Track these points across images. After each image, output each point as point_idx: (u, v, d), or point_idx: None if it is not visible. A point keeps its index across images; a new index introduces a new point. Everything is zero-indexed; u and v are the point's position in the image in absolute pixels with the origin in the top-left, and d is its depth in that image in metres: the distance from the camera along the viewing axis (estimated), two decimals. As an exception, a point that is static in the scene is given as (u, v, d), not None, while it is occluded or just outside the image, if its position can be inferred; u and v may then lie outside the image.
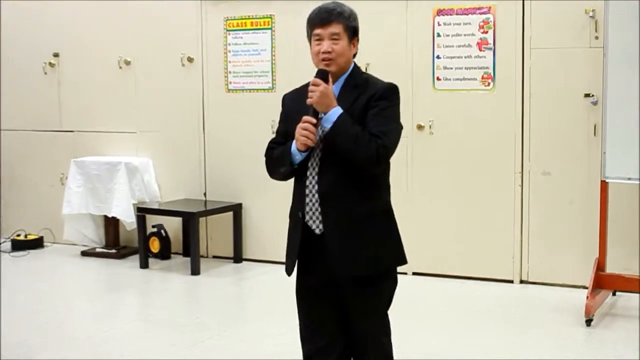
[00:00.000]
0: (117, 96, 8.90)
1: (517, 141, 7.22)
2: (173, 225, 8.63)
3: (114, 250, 8.73)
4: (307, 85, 3.73)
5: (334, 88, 3.67)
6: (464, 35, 7.33)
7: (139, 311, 7.07)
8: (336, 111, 3.58)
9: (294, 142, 3.66)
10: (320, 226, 3.69)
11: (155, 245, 8.50)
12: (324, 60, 3.68)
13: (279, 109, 8.39)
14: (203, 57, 8.45)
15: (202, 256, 8.30)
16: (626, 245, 6.91)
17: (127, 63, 8.79)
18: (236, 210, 8.31)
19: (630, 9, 6.16)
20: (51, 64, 9.24)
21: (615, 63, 6.22)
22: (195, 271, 7.88)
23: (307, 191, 3.70)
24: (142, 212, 8.26)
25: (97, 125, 9.07)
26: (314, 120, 3.60)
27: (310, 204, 3.70)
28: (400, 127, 3.72)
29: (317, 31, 3.73)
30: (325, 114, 3.61)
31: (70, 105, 9.21)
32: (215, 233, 8.57)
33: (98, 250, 8.81)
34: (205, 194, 8.58)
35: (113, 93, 8.92)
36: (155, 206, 8.50)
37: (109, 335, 6.09)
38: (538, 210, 7.23)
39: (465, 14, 7.30)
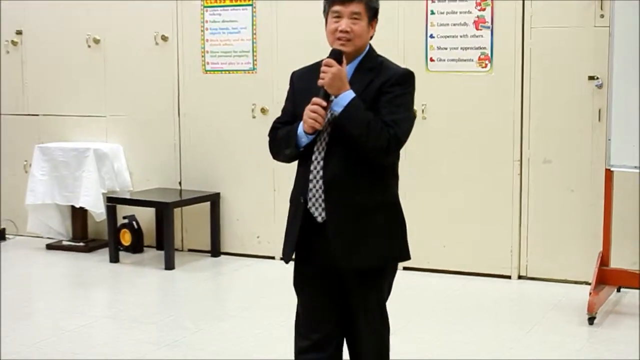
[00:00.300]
0: (85, 77, 8.87)
1: (516, 127, 7.23)
2: (145, 217, 8.61)
3: (81, 243, 8.71)
4: (318, 64, 3.75)
5: (347, 70, 3.69)
6: (460, 12, 7.33)
7: (108, 308, 7.05)
8: (348, 95, 3.60)
9: (301, 123, 3.67)
10: (323, 214, 3.73)
11: (126, 238, 8.49)
12: (339, 39, 3.69)
13: (260, 91, 8.45)
14: (178, 35, 8.42)
15: (177, 249, 8.29)
16: (632, 238, 6.93)
17: (96, 42, 8.76)
18: (214, 200, 8.30)
19: (638, -16, 6.18)
20: (14, 42, 9.19)
21: (622, 44, 6.22)
22: (169, 265, 7.87)
23: (311, 176, 3.73)
24: (112, 202, 8.24)
25: (63, 109, 9.03)
26: (324, 103, 3.61)
27: (314, 190, 3.73)
28: (414, 117, 3.77)
29: (337, 8, 3.72)
30: (336, 96, 3.62)
31: (35, 86, 9.17)
32: (191, 225, 8.56)
33: (65, 243, 8.79)
34: (180, 183, 8.57)
35: (81, 74, 8.89)
36: (127, 196, 8.47)
37: (77, 333, 6.07)
38: (538, 201, 7.25)
39: (461, -11, 7.31)
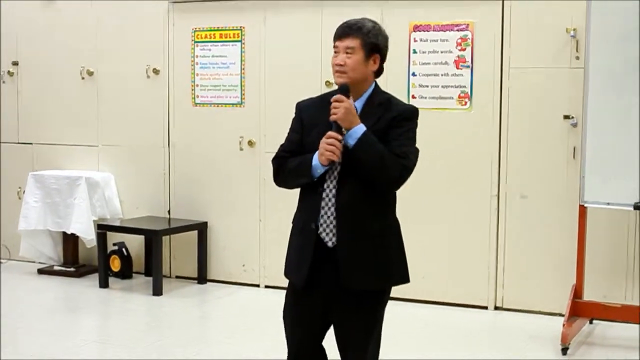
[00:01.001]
0: (78, 108, 8.89)
1: (494, 163, 7.28)
2: (135, 244, 8.61)
3: (72, 269, 8.69)
4: (324, 96, 3.96)
5: (356, 104, 3.85)
6: (441, 52, 7.39)
7: (97, 332, 7.05)
8: (360, 128, 3.73)
9: (316, 155, 3.79)
10: (334, 239, 3.84)
11: (116, 264, 8.48)
12: (337, 72, 3.85)
13: (248, 124, 8.46)
14: (169, 69, 8.46)
15: (165, 276, 8.29)
16: (605, 271, 6.97)
17: (90, 74, 8.79)
18: (201, 229, 8.31)
19: (612, 28, 6.24)
20: (10, 73, 9.22)
21: (596, 84, 6.29)
22: (157, 292, 7.87)
23: (323, 204, 3.84)
24: (102, 229, 8.24)
25: (57, 138, 9.04)
26: (340, 137, 3.73)
27: (325, 216, 3.84)
28: (418, 151, 3.91)
29: (336, 43, 3.89)
30: (348, 130, 3.74)
31: (30, 116, 9.19)
32: (178, 252, 8.57)
33: (56, 268, 8.77)
34: (169, 212, 8.58)
35: (75, 104, 8.91)
36: (117, 223, 8.48)
37: (66, 356, 6.05)
38: (514, 235, 7.29)
39: (442, 30, 7.36)
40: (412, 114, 3.88)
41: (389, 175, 3.76)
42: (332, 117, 3.73)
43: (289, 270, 4.03)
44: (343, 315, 3.93)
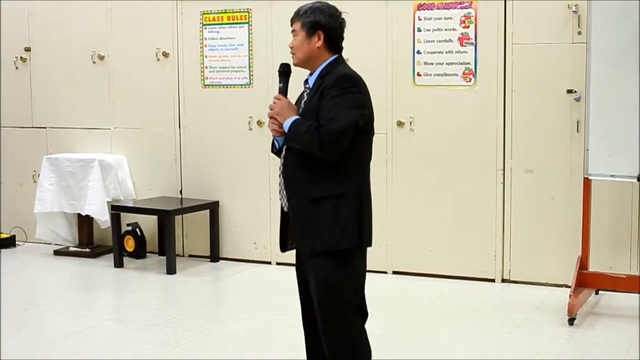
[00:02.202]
0: (90, 92, 8.87)
1: (499, 138, 7.24)
2: (148, 224, 8.60)
3: (87, 249, 8.69)
4: None
5: (311, 79, 4.12)
6: (445, 30, 7.34)
7: (113, 311, 7.04)
8: (288, 120, 4.01)
9: None
10: (286, 204, 4.13)
11: (130, 244, 8.48)
12: (291, 54, 4.19)
13: (256, 104, 8.47)
14: (178, 51, 8.43)
15: (178, 255, 8.29)
16: (609, 243, 6.95)
17: (101, 58, 8.76)
18: (213, 208, 8.29)
19: (613, 3, 6.19)
20: (22, 59, 9.19)
21: (599, 59, 6.24)
22: (171, 270, 7.86)
23: (279, 172, 4.16)
24: (116, 210, 8.23)
25: (70, 122, 9.03)
26: (281, 97, 4.11)
27: (280, 184, 4.16)
28: (355, 112, 3.94)
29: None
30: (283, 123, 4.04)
31: (43, 100, 9.17)
32: (191, 231, 8.55)
33: (71, 249, 8.78)
34: (181, 192, 8.56)
35: (86, 88, 8.88)
36: (130, 204, 8.46)
37: (83, 335, 6.06)
38: (520, 208, 7.26)
39: (446, 8, 7.31)
40: (338, 80, 3.97)
41: (313, 148, 3.91)
42: (269, 113, 4.07)
43: None
44: (307, 276, 4.14)
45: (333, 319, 4.04)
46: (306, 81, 4.16)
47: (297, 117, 4.01)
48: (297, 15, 4.13)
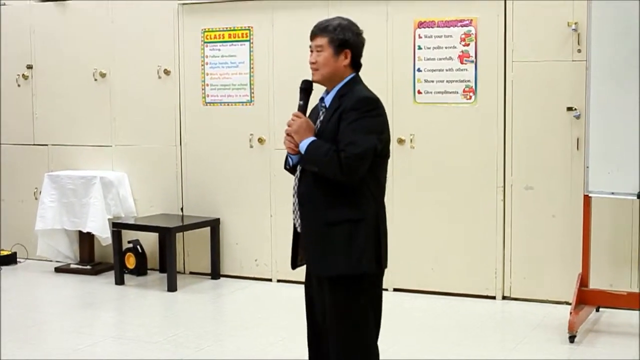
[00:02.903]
0: (92, 109, 8.88)
1: (499, 155, 7.24)
2: (149, 241, 8.60)
3: (88, 267, 8.69)
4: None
5: (328, 97, 4.04)
6: (445, 47, 7.35)
7: (114, 328, 7.03)
8: (306, 141, 3.94)
9: None
10: (299, 224, 4.11)
11: (131, 261, 8.47)
12: (312, 69, 4.06)
13: (257, 122, 8.47)
14: (180, 69, 8.45)
15: (179, 272, 8.29)
16: (610, 260, 6.94)
17: (103, 75, 8.78)
18: (214, 225, 8.29)
19: (612, 22, 6.21)
20: (24, 76, 9.21)
21: (598, 76, 6.26)
22: (172, 288, 7.85)
23: (292, 192, 4.10)
24: (117, 228, 8.23)
25: (71, 139, 9.04)
26: (299, 114, 4.01)
27: (293, 205, 4.11)
28: (374, 137, 3.91)
29: (310, 44, 4.08)
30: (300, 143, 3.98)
31: (44, 118, 9.18)
32: (192, 249, 8.55)
33: (72, 266, 8.77)
34: (182, 209, 8.57)
35: (88, 106, 8.90)
36: (131, 221, 8.46)
37: (84, 353, 6.05)
38: (521, 225, 7.26)
39: (446, 26, 7.33)
40: (358, 103, 3.93)
41: (331, 173, 3.88)
42: (287, 130, 3.99)
43: None
44: (321, 299, 4.10)
45: (348, 344, 4.01)
46: (322, 99, 4.10)
47: (314, 138, 3.93)
48: (325, 31, 4.02)
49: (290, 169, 4.17)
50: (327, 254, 3.94)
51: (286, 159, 4.16)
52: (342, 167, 3.82)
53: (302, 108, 4.05)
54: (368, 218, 3.98)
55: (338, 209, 3.93)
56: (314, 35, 4.04)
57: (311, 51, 4.04)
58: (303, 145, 3.93)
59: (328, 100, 4.03)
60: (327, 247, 3.94)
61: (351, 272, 3.95)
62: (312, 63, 4.03)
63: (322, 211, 3.94)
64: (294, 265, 4.23)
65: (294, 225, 4.14)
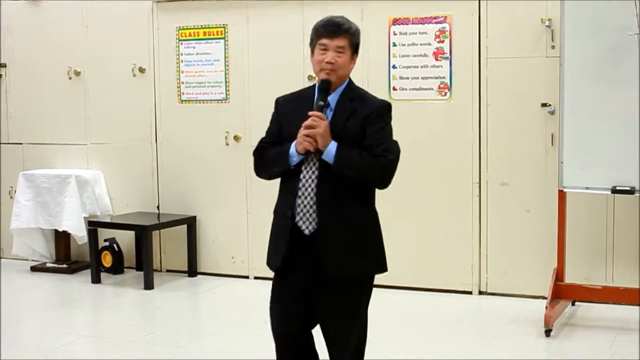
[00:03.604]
0: (67, 107, 8.84)
1: (475, 151, 7.27)
2: (125, 239, 8.57)
3: (64, 265, 8.65)
4: (301, 92, 4.12)
5: (331, 99, 3.92)
6: (420, 44, 7.37)
7: (90, 327, 7.01)
8: (333, 145, 3.81)
9: (294, 144, 3.86)
10: (310, 227, 3.87)
11: (107, 260, 8.44)
12: (326, 70, 3.90)
13: (233, 119, 8.47)
14: (155, 67, 8.42)
15: (156, 270, 8.27)
16: (585, 254, 6.98)
17: (77, 74, 8.74)
18: (190, 223, 8.27)
19: (586, 18, 6.24)
20: (-2, 75, 9.18)
21: (572, 72, 6.30)
22: (148, 285, 7.84)
23: (300, 192, 3.88)
24: (93, 226, 8.20)
25: (46, 137, 8.99)
26: (319, 114, 3.83)
27: (302, 205, 3.87)
28: (397, 143, 3.97)
29: (324, 41, 3.91)
30: (324, 148, 3.81)
31: (19, 116, 9.13)
32: (169, 247, 8.53)
33: (48, 265, 8.73)
34: (158, 207, 8.54)
35: (63, 104, 8.85)
36: (107, 220, 8.43)
37: (60, 352, 6.02)
38: (496, 221, 7.29)
39: (421, 23, 7.34)
40: (386, 109, 3.96)
41: (372, 179, 3.90)
42: (310, 132, 3.79)
43: (268, 258, 4.08)
44: (326, 305, 3.95)
45: (360, 344, 4.04)
46: (323, 98, 3.92)
47: (335, 142, 3.82)
48: (347, 33, 3.92)
49: (284, 171, 3.95)
50: (360, 253, 3.94)
51: (284, 158, 3.90)
52: (384, 173, 3.89)
53: (322, 108, 3.87)
54: (377, 216, 4.09)
55: (361, 207, 3.96)
56: (333, 34, 3.89)
57: (323, 49, 3.90)
58: (331, 149, 3.81)
59: (333, 102, 3.93)
60: (360, 247, 3.95)
61: (381, 272, 4.09)
62: (329, 63, 3.88)
63: (346, 211, 3.88)
64: (282, 271, 3.98)
65: (288, 228, 3.90)
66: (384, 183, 3.95)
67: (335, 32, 3.89)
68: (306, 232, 3.87)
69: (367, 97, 4.00)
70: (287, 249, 3.92)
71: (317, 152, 3.84)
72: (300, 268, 3.93)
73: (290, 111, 3.99)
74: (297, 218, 3.88)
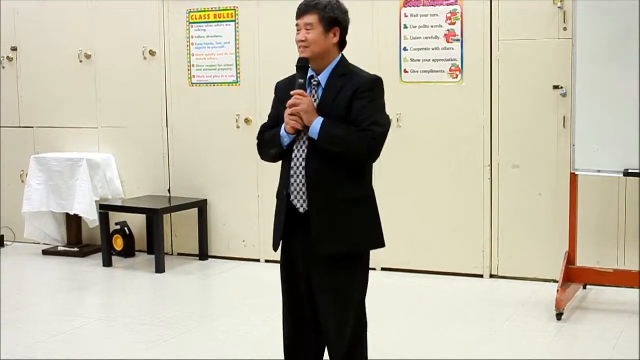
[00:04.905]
0: (77, 91, 8.85)
1: (486, 134, 7.25)
2: (137, 223, 8.59)
3: (76, 249, 8.68)
4: (294, 76, 4.06)
5: (321, 77, 3.99)
6: (432, 26, 7.34)
7: (102, 310, 7.03)
8: (318, 121, 3.88)
9: (284, 125, 3.95)
10: (304, 205, 3.95)
11: (118, 243, 8.47)
12: (300, 48, 3.98)
13: (244, 103, 8.48)
14: (165, 50, 8.42)
15: (167, 254, 8.29)
16: (596, 238, 6.97)
17: (88, 57, 8.74)
18: (201, 206, 8.28)
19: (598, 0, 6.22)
20: (9, 59, 9.17)
21: (584, 55, 6.26)
22: (160, 269, 7.85)
23: (292, 172, 3.97)
24: (104, 210, 8.22)
25: (57, 121, 9.01)
26: (302, 92, 3.92)
27: (295, 184, 3.96)
28: (388, 117, 3.99)
29: (297, 22, 4.01)
30: (309, 125, 3.89)
31: (30, 100, 9.15)
32: (180, 230, 8.55)
33: (60, 248, 8.76)
34: (169, 190, 8.55)
35: (74, 88, 8.86)
36: (119, 203, 8.45)
37: (72, 335, 6.05)
38: (508, 204, 7.27)
39: (432, 5, 7.31)
40: (373, 83, 3.97)
41: (357, 153, 3.87)
42: (294, 110, 3.88)
43: (273, 237, 4.18)
44: (320, 282, 4.01)
45: (359, 315, 4.06)
46: (312, 77, 4.01)
47: (322, 117, 3.88)
48: (314, 8, 3.95)
49: (280, 152, 4.04)
50: (350, 230, 3.94)
51: (277, 140, 4.00)
52: (370, 147, 3.85)
53: (303, 86, 3.96)
54: (373, 194, 4.06)
55: (353, 186, 3.95)
56: (302, 13, 3.98)
57: (298, 30, 3.98)
58: (317, 125, 3.87)
59: (323, 79, 3.99)
60: (350, 224, 3.94)
61: (376, 247, 4.06)
62: (301, 41, 3.96)
63: (335, 189, 3.91)
64: (282, 248, 4.15)
65: (289, 206, 3.99)
66: (370, 158, 3.94)
67: (304, 10, 3.98)
68: (301, 210, 3.96)
69: (356, 72, 4.02)
70: (284, 228, 4.03)
71: (307, 130, 3.91)
72: (299, 246, 4.03)
73: (285, 95, 4.02)
74: (292, 197, 3.98)
